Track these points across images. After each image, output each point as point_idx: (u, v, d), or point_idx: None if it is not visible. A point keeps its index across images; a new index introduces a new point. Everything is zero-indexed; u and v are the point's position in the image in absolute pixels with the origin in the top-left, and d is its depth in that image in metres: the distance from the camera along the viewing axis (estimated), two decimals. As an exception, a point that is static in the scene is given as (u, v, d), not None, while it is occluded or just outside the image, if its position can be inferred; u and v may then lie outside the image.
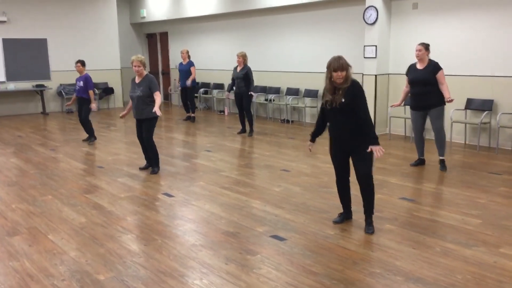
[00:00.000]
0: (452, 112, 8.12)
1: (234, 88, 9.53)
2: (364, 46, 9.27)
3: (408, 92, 6.67)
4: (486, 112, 7.85)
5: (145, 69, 6.42)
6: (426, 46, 6.41)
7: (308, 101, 10.78)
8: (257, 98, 11.55)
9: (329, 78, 4.15)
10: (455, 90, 8.32)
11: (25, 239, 4.27)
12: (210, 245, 4.08)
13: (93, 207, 5.16)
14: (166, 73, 15.85)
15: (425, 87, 6.31)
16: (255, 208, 5.05)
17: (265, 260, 3.77)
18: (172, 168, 6.77)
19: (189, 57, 11.36)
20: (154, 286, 3.37)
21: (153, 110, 6.21)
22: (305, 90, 10.94)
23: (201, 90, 13.58)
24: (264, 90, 11.86)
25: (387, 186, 5.80)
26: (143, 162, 7.14)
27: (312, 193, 5.54)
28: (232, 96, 10.01)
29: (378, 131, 9.33)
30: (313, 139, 4.57)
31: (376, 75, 9.16)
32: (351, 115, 4.14)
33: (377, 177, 6.19)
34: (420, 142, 6.72)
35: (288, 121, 11.15)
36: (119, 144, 8.73)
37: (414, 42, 8.79)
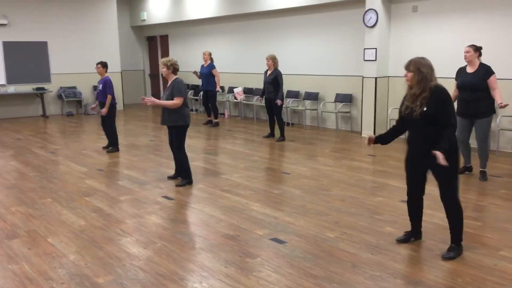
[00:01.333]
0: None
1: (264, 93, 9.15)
2: (364, 49, 9.28)
3: (456, 97, 6.04)
4: (486, 114, 7.82)
5: (174, 72, 5.87)
6: (475, 48, 5.97)
7: (308, 103, 10.78)
8: (256, 101, 11.36)
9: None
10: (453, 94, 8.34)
11: (25, 242, 4.27)
12: (209, 248, 4.07)
13: (92, 210, 5.15)
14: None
15: (476, 93, 5.84)
16: (255, 211, 5.04)
17: (264, 263, 3.76)
18: (171, 171, 6.76)
19: (211, 59, 10.86)
20: (153, 289, 3.36)
21: (140, 96, 5.80)
22: (305, 92, 10.95)
23: (201, 93, 13.56)
24: (264, 93, 11.83)
25: (387, 188, 5.79)
26: (143, 165, 7.15)
27: (312, 195, 5.54)
28: (263, 101, 9.52)
29: (378, 133, 9.33)
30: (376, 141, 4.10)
31: (376, 78, 9.17)
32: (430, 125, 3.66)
33: (377, 179, 6.20)
34: (466, 150, 6.23)
35: (288, 124, 11.14)
36: (119, 147, 8.71)
37: (413, 44, 8.85)
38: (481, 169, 6.21)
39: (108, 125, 8.17)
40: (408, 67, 3.72)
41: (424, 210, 4.11)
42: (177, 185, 6.03)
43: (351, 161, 7.26)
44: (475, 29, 8.04)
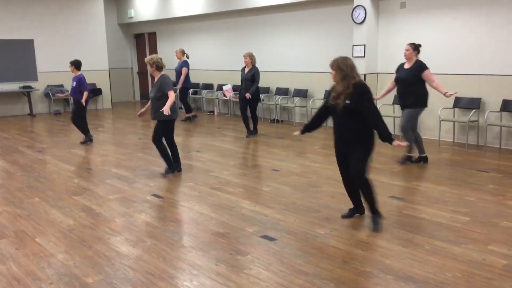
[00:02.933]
0: (440, 110, 8.17)
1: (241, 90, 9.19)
2: (353, 45, 9.30)
3: (391, 89, 6.91)
4: (474, 110, 7.90)
5: (158, 69, 6.10)
6: (414, 46, 6.49)
7: (297, 101, 10.78)
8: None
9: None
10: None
11: (12, 243, 4.21)
12: (200, 246, 4.05)
13: (81, 209, 5.11)
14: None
15: (407, 87, 6.46)
16: (245, 208, 5.03)
17: (255, 260, 3.75)
18: (161, 169, 6.72)
19: (186, 56, 11.12)
20: (143, 288, 3.34)
21: (161, 110, 5.88)
22: (295, 89, 10.95)
23: (191, 90, 13.53)
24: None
25: (376, 185, 5.79)
26: (132, 163, 7.11)
27: (302, 192, 5.54)
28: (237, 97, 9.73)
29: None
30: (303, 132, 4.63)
31: (365, 74, 9.19)
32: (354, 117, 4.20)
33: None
34: (414, 140, 6.71)
35: (277, 121, 11.14)
36: (107, 146, 8.65)
37: (402, 41, 8.86)
38: (420, 155, 6.76)
39: (79, 117, 8.61)
40: (332, 66, 4.24)
41: (412, 205, 4.14)
42: (164, 173, 6.39)
43: (340, 158, 7.28)
44: (462, 25, 8.10)
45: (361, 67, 9.17)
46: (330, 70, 4.26)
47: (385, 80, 9.24)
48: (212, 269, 3.62)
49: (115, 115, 12.95)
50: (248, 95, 8.93)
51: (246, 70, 9.09)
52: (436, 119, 8.35)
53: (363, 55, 9.14)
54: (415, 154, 6.82)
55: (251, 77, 8.95)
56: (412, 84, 6.42)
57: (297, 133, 4.67)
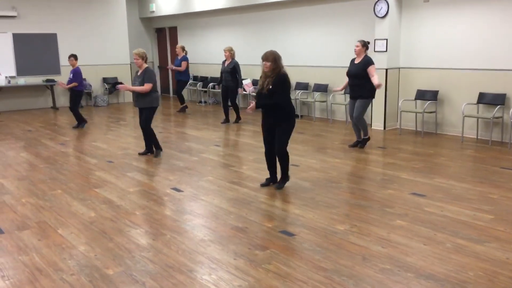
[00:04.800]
0: (464, 106, 8.03)
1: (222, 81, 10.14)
2: (375, 39, 9.18)
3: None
4: (499, 106, 7.74)
5: (145, 62, 6.77)
6: (363, 43, 7.22)
7: (317, 95, 10.71)
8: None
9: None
10: (467, 84, 8.25)
11: (35, 233, 4.29)
12: (218, 240, 4.06)
13: (102, 201, 5.17)
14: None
15: (356, 80, 7.16)
16: (264, 203, 5.02)
17: (274, 255, 3.74)
18: (180, 163, 6.76)
19: (186, 53, 11.94)
20: (162, 281, 3.36)
21: (117, 86, 6.84)
22: (315, 84, 10.88)
23: (210, 84, 13.57)
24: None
25: (397, 181, 5.74)
26: (151, 156, 7.17)
27: (321, 188, 5.50)
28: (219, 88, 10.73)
29: (388, 125, 9.28)
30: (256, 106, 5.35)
31: (387, 69, 9.08)
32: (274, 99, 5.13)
33: (387, 172, 6.15)
34: (355, 126, 7.50)
35: (297, 116, 11.09)
36: (128, 139, 8.74)
37: (425, 35, 8.75)
38: (363, 138, 7.53)
39: (74, 105, 9.74)
40: (267, 58, 5.12)
41: (434, 203, 4.07)
42: (155, 156, 7.09)
43: (360, 154, 7.21)
44: (486, 20, 7.92)
45: (383, 62, 9.06)
46: (264, 62, 5.13)
47: (407, 74, 9.11)
48: (230, 263, 3.62)
49: (136, 108, 13.05)
50: (240, 90, 10.09)
51: (226, 63, 10.02)
52: (460, 115, 8.21)
53: (385, 50, 9.02)
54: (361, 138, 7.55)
55: (231, 69, 9.89)
56: (361, 78, 7.09)
57: (251, 107, 5.32)
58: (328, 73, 10.64)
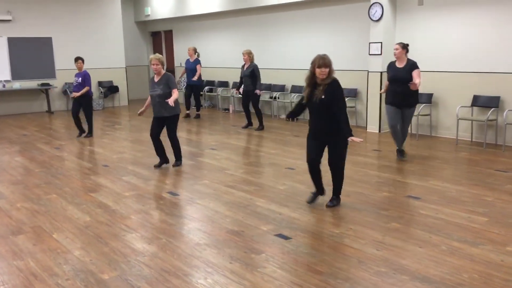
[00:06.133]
0: (458, 109, 8.06)
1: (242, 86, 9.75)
2: (369, 43, 9.22)
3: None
4: (493, 109, 7.78)
5: (163, 67, 6.51)
6: (403, 46, 6.70)
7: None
8: (262, 96, 11.46)
9: (312, 73, 4.74)
10: (461, 87, 8.29)
11: (30, 238, 4.27)
12: (214, 244, 4.06)
13: (97, 205, 5.16)
14: (171, 71, 15.84)
15: (404, 86, 6.49)
16: (259, 206, 5.03)
17: (269, 259, 3.74)
18: (177, 167, 6.75)
19: (198, 55, 11.45)
20: (158, 286, 3.36)
21: (166, 100, 6.26)
22: (310, 87, 10.89)
23: (206, 88, 13.59)
24: (269, 87, 11.82)
25: (393, 184, 5.76)
26: (148, 160, 7.15)
27: (317, 191, 5.50)
28: (238, 93, 10.29)
29: (384, 128, 9.31)
30: (289, 117, 5.25)
31: (381, 72, 9.11)
32: (329, 111, 4.70)
33: (382, 175, 6.17)
34: (397, 134, 6.92)
35: (293, 119, 11.09)
36: (124, 143, 8.73)
37: (419, 39, 8.79)
38: (402, 149, 7.01)
39: (88, 113, 9.16)
40: (326, 64, 4.63)
41: (429, 205, 4.09)
42: (174, 165, 6.75)
43: (356, 156, 7.23)
44: (481, 23, 7.96)
45: (378, 65, 9.09)
46: (322, 69, 4.64)
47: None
48: (226, 267, 3.62)
49: (132, 112, 13.05)
50: (258, 92, 9.46)
51: (246, 66, 9.56)
52: (454, 118, 8.25)
53: (380, 53, 9.06)
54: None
55: (250, 73, 9.42)
56: (408, 83, 6.46)
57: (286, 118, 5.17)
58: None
